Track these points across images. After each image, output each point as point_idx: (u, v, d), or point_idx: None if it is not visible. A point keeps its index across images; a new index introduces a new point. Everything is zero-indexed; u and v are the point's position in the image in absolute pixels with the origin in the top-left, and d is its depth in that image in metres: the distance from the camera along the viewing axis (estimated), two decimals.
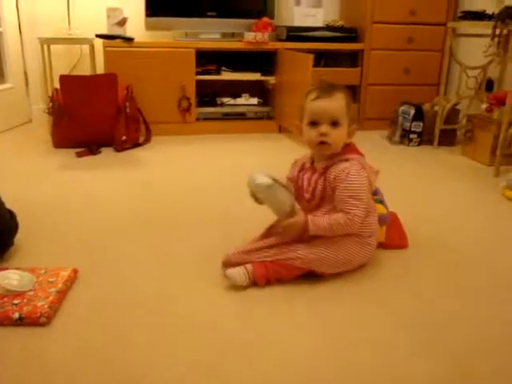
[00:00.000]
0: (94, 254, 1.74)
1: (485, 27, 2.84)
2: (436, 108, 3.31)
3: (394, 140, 3.40)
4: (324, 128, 1.51)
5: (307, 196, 1.62)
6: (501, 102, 2.82)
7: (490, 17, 2.86)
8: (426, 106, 3.38)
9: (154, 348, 1.24)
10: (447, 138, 3.34)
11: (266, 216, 1.65)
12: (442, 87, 3.30)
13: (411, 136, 3.34)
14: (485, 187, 2.56)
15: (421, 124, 3.33)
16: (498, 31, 2.70)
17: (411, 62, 3.66)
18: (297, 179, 1.66)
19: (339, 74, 3.58)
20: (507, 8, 2.68)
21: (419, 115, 3.32)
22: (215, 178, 2.59)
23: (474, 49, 3.15)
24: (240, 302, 1.46)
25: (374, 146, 3.29)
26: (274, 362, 1.20)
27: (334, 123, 1.52)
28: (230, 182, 2.52)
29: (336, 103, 1.52)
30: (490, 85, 3.27)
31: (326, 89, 1.54)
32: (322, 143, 1.53)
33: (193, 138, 3.37)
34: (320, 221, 1.53)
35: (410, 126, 3.33)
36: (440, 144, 3.30)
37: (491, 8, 2.90)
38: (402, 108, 3.39)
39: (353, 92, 3.67)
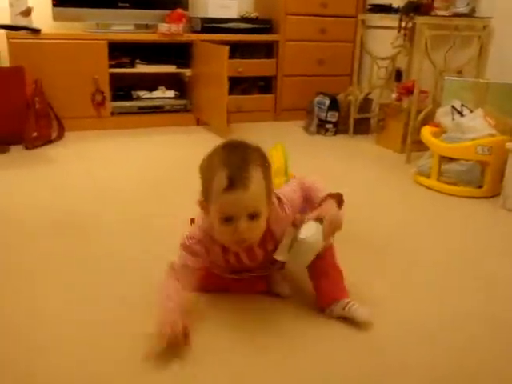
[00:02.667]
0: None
1: (391, 20, 2.94)
2: (350, 98, 3.41)
3: (311, 130, 3.46)
4: (242, 224, 1.22)
5: (253, 265, 1.43)
6: (409, 91, 2.95)
7: (396, 10, 2.96)
8: (341, 96, 3.47)
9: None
10: (362, 127, 3.46)
11: (187, 214, 1.62)
12: (355, 77, 3.39)
13: (327, 126, 3.42)
14: (397, 174, 2.67)
15: (336, 114, 3.42)
16: (403, 24, 2.81)
17: (325, 53, 3.74)
18: (223, 262, 1.41)
19: (255, 66, 3.60)
20: (411, 2, 2.79)
21: (334, 105, 3.41)
22: (132, 175, 2.52)
23: (383, 40, 3.27)
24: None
25: (291, 136, 3.34)
26: None
27: (253, 215, 1.23)
28: (147, 178, 2.47)
29: (254, 190, 1.20)
30: (398, 75, 3.40)
31: (239, 171, 1.19)
32: (242, 241, 1.27)
33: (108, 132, 3.27)
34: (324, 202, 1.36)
35: (326, 116, 3.41)
36: (355, 133, 3.40)
37: (397, 2, 3.01)
38: (317, 98, 3.46)
39: (269, 83, 3.71)
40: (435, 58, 2.85)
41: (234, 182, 1.18)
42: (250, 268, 1.43)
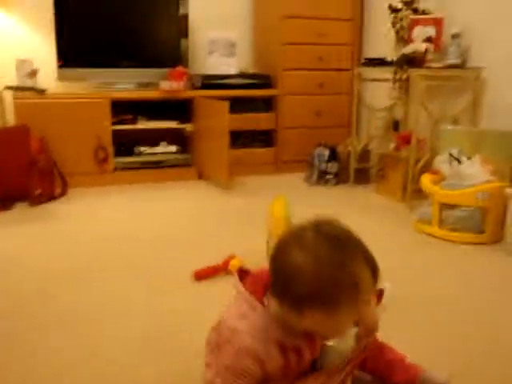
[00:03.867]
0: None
1: (386, 72, 3.02)
2: (349, 148, 3.46)
3: (312, 181, 3.50)
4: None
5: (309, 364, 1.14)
6: (407, 140, 3.00)
7: (390, 63, 3.05)
8: (340, 147, 3.53)
9: None
10: (362, 177, 3.49)
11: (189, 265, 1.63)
12: (353, 128, 3.46)
13: (328, 177, 3.46)
14: (399, 222, 2.68)
15: (336, 165, 3.46)
16: (398, 76, 2.88)
17: (323, 105, 3.82)
18: (282, 367, 1.05)
19: (255, 120, 3.68)
20: (404, 55, 2.89)
21: (334, 156, 3.46)
22: (135, 230, 2.54)
23: (379, 92, 3.36)
24: None
25: (292, 188, 3.37)
26: None
27: None
28: (152, 232, 2.49)
29: None
30: (396, 125, 3.47)
31: (372, 258, 1.02)
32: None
33: (111, 188, 3.31)
34: None
35: (326, 167, 3.45)
36: (355, 183, 3.44)
37: (390, 55, 3.11)
38: (318, 150, 3.51)
39: (269, 136, 3.77)
40: (431, 108, 2.91)
41: (377, 273, 1.00)
42: (305, 369, 1.13)
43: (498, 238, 2.40)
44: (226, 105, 3.12)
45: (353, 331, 1.17)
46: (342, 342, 1.17)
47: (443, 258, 2.25)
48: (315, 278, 0.93)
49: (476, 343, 1.53)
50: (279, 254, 0.99)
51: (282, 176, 3.70)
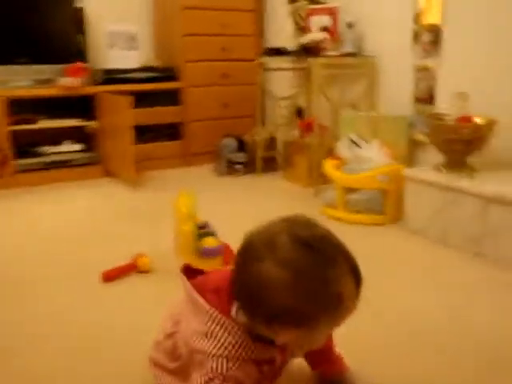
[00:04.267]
0: None
1: (287, 62, 3.09)
2: (256, 138, 3.51)
3: (221, 172, 3.52)
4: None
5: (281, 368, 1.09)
6: (310, 127, 3.08)
7: (290, 53, 3.11)
8: (247, 137, 3.57)
9: None
10: (269, 165, 3.56)
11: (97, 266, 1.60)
12: (259, 118, 3.51)
13: (236, 166, 3.49)
14: (306, 207, 2.76)
15: (244, 154, 3.50)
16: (298, 65, 2.96)
17: (229, 96, 3.84)
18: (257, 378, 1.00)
19: (161, 113, 3.64)
20: (302, 45, 2.96)
21: (241, 146, 3.50)
22: (39, 232, 2.45)
23: (282, 81, 3.43)
24: None
25: (202, 180, 3.38)
26: None
27: None
28: (57, 234, 2.41)
29: None
30: (300, 113, 3.55)
31: (352, 259, 0.95)
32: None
33: (13, 192, 3.16)
34: None
35: (234, 157, 3.48)
36: (263, 171, 3.49)
37: (290, 45, 3.17)
38: (225, 141, 3.54)
39: (177, 130, 3.75)
40: (331, 95, 3.02)
41: (360, 279, 0.92)
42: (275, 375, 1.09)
43: (398, 218, 2.53)
44: (128, 100, 3.07)
45: None
46: None
47: (348, 240, 2.34)
48: (293, 296, 0.83)
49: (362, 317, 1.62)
50: (247, 263, 0.88)
51: (190, 168, 3.70)
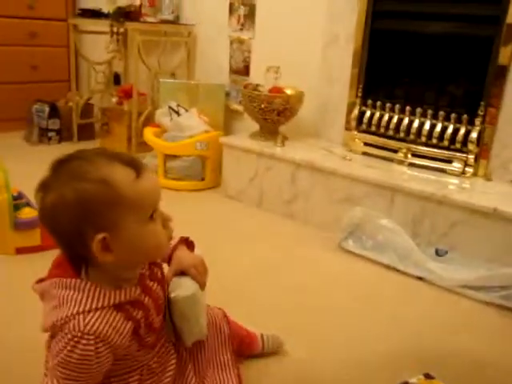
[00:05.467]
0: None
1: (103, 25, 2.98)
2: (70, 104, 3.34)
3: (33, 140, 3.30)
4: (166, 212, 0.97)
5: (160, 318, 1.01)
6: (128, 94, 3.03)
7: (106, 15, 3.01)
8: (61, 103, 3.38)
9: None
10: (86, 133, 3.42)
11: None
12: (73, 83, 3.33)
13: (50, 134, 3.29)
14: None
15: (57, 121, 3.31)
16: (115, 29, 2.87)
17: (38, 58, 3.57)
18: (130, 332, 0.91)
19: None
20: (120, 8, 2.87)
21: (54, 112, 3.30)
22: None
23: (98, 45, 3.29)
24: None
25: (11, 148, 3.12)
26: None
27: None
28: None
29: None
30: (117, 79, 3.46)
31: (128, 157, 0.90)
32: (170, 236, 0.98)
33: None
34: None
35: (47, 124, 3.28)
36: (80, 139, 3.35)
37: (106, 7, 3.06)
38: (36, 106, 3.31)
39: None
40: (149, 62, 2.99)
41: (138, 165, 0.88)
42: (158, 330, 1.00)
43: (216, 183, 2.64)
44: None
45: (188, 280, 1.04)
46: (183, 291, 1.02)
47: (169, 206, 2.39)
48: (72, 209, 0.83)
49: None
50: (38, 203, 0.87)
51: None
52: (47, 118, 3.27)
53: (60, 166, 0.88)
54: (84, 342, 0.83)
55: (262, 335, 1.36)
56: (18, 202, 1.82)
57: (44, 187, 0.86)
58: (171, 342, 1.07)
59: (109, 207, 0.84)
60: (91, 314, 0.85)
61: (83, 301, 0.86)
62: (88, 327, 0.84)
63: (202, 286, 1.05)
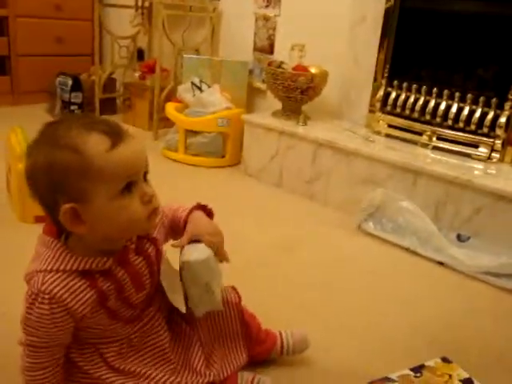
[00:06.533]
0: None
1: None
2: (93, 78, 3.34)
3: (55, 113, 3.30)
4: (147, 187, 0.88)
5: (141, 295, 0.97)
6: (151, 69, 3.01)
7: None
8: (84, 76, 3.37)
9: None
10: (108, 107, 3.42)
11: None
12: (97, 57, 3.32)
13: (72, 107, 3.29)
14: (148, 150, 2.72)
15: (80, 94, 3.30)
16: (140, 3, 2.84)
17: (63, 31, 3.57)
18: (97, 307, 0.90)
19: None
20: None
21: (77, 86, 3.29)
22: None
23: (122, 19, 3.27)
24: None
25: (34, 120, 3.10)
26: None
27: (145, 173, 0.90)
28: None
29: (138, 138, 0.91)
30: (140, 54, 3.45)
31: (108, 125, 0.86)
32: (154, 213, 0.89)
33: None
34: None
35: (70, 98, 3.28)
36: (102, 113, 3.34)
37: None
38: (59, 79, 3.31)
39: (2, 64, 3.41)
40: (174, 37, 2.96)
41: (117, 134, 0.84)
42: (140, 306, 0.98)
43: (236, 161, 2.62)
44: None
45: (203, 246, 0.98)
46: (195, 255, 0.97)
47: (189, 181, 2.38)
48: (44, 172, 0.82)
49: None
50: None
51: (21, 107, 3.41)
52: (70, 91, 3.27)
53: (44, 130, 0.85)
54: (40, 300, 0.84)
55: (281, 335, 1.21)
56: None
57: (27, 151, 0.85)
58: (165, 317, 1.04)
59: (77, 177, 0.80)
60: (51, 274, 0.85)
61: (48, 260, 0.86)
62: (45, 286, 0.84)
63: (219, 255, 1.01)
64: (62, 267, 0.85)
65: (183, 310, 1.00)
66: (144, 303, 0.98)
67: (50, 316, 0.84)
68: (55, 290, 0.84)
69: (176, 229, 1.03)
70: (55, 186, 0.82)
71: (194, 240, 0.99)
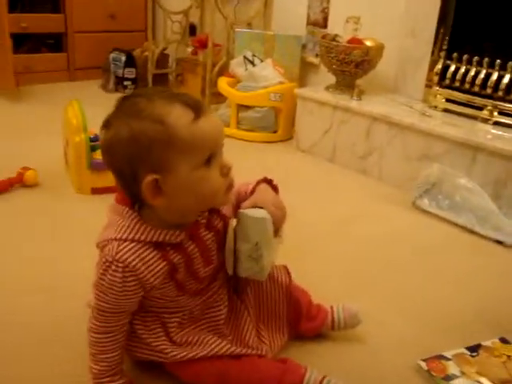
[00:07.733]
0: None
1: None
2: (146, 53, 3.37)
3: (109, 88, 3.36)
4: (226, 160, 0.90)
5: (208, 269, 0.98)
6: (203, 44, 3.01)
7: None
8: (137, 52, 3.41)
9: None
10: (161, 82, 3.44)
11: None
12: (150, 32, 3.34)
13: (125, 83, 3.34)
14: None
15: (133, 70, 3.35)
16: None
17: (116, 7, 3.60)
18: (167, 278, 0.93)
19: (41, 21, 3.34)
20: None
21: (131, 61, 3.34)
22: None
23: None
24: None
25: (89, 95, 3.17)
26: None
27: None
28: None
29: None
30: (193, 29, 3.45)
31: (189, 97, 0.86)
32: (231, 185, 0.92)
33: None
34: None
35: (123, 73, 3.33)
36: None
37: None
38: (113, 55, 3.36)
39: (59, 40, 3.48)
40: (226, 11, 2.94)
41: (198, 107, 0.84)
42: (205, 281, 1.00)
43: (289, 136, 2.61)
44: (2, 2, 2.78)
45: (262, 210, 0.96)
46: (254, 213, 0.96)
47: (243, 156, 2.38)
48: (126, 144, 0.82)
49: None
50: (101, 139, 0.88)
51: (76, 83, 3.49)
52: (123, 66, 3.32)
53: (122, 103, 0.87)
54: (114, 267, 0.86)
55: (332, 309, 1.18)
56: (95, 143, 1.85)
57: (105, 124, 0.87)
58: (226, 293, 1.05)
59: (162, 148, 0.81)
60: (126, 243, 0.87)
61: (123, 229, 0.88)
62: (119, 255, 0.86)
63: (277, 224, 0.98)
64: (136, 237, 0.87)
65: (230, 271, 1.00)
66: (210, 277, 1.00)
67: (121, 284, 0.87)
68: (129, 259, 0.86)
69: (242, 202, 1.02)
70: (137, 157, 0.83)
71: (257, 207, 0.97)
